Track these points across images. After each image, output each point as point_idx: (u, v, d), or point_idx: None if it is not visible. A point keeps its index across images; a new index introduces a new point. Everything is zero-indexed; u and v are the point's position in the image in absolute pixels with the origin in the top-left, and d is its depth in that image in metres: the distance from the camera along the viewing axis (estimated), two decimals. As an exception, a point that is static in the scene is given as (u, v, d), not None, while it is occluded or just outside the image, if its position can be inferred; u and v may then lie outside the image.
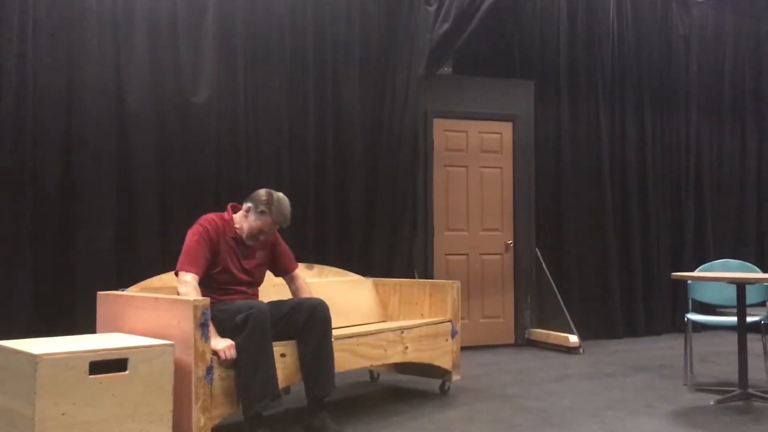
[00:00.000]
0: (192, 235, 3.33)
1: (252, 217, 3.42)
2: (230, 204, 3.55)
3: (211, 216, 3.44)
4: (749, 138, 7.62)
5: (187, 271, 3.24)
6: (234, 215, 3.49)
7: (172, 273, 3.61)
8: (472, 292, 6.05)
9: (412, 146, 5.66)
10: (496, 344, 6.07)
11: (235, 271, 3.42)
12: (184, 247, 3.32)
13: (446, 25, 5.74)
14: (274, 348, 3.19)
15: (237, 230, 3.45)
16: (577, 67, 6.66)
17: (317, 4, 5.35)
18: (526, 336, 6.17)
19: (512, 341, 6.16)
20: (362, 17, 5.57)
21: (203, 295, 3.15)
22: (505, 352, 5.81)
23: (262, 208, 3.41)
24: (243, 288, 3.46)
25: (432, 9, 5.73)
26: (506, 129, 6.25)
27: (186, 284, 3.19)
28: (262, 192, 3.47)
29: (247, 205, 3.46)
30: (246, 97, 5.00)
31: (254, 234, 3.44)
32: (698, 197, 7.27)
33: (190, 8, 4.80)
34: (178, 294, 3.21)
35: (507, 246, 6.18)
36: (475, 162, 6.15)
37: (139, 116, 4.57)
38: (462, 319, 5.76)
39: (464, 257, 6.07)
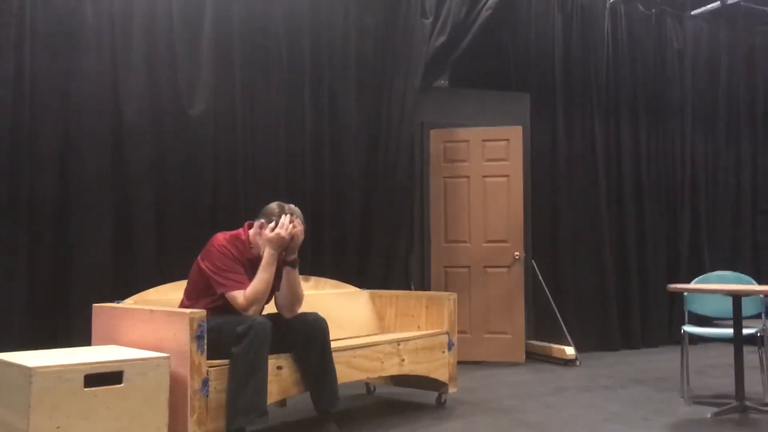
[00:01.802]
0: (223, 256, 3.27)
1: (265, 229, 3.34)
2: (246, 222, 3.47)
3: (227, 237, 3.36)
4: (744, 150, 7.67)
5: (234, 290, 3.22)
6: (249, 234, 3.42)
7: (168, 285, 3.61)
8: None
9: (409, 158, 5.69)
10: (503, 361, 5.77)
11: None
12: (221, 266, 3.24)
13: (442, 38, 5.78)
14: (271, 360, 3.19)
15: (252, 250, 3.39)
16: (572, 80, 6.69)
17: (314, 17, 5.38)
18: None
19: (522, 360, 5.79)
20: (359, 30, 5.60)
21: (212, 312, 3.15)
22: (501, 365, 5.79)
23: (275, 214, 3.35)
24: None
25: (428, 22, 5.76)
26: (514, 134, 6.00)
27: (244, 302, 3.21)
28: (274, 205, 3.41)
29: (259, 221, 3.39)
30: (243, 109, 5.02)
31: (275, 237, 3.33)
32: (694, 209, 7.29)
33: (186, 21, 4.82)
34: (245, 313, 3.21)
35: (515, 258, 5.88)
36: (476, 172, 6.00)
37: (136, 129, 4.57)
38: (464, 333, 5.75)
39: (466, 270, 5.96)
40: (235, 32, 5.00)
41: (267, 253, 3.29)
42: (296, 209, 3.44)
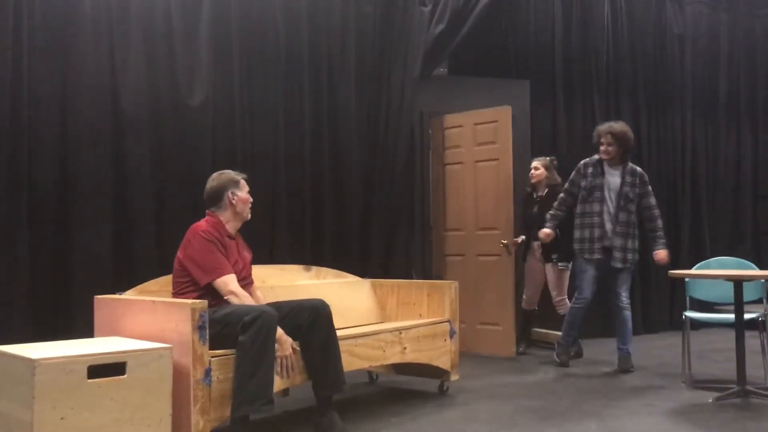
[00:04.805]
0: (202, 245, 3.32)
1: (240, 193, 3.52)
2: (207, 212, 3.52)
3: (204, 225, 3.41)
4: (744, 136, 7.65)
5: (222, 275, 3.29)
6: (219, 216, 3.49)
7: (169, 276, 3.61)
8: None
9: (409, 147, 5.68)
10: (494, 355, 5.57)
11: (236, 269, 3.44)
12: (203, 257, 3.29)
13: (441, 26, 5.75)
14: (273, 350, 3.20)
15: (227, 226, 3.48)
16: (572, 67, 6.67)
17: (312, 6, 5.36)
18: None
19: (513, 354, 5.54)
20: (357, 18, 5.58)
21: (211, 294, 3.21)
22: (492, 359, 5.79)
23: (236, 178, 3.54)
24: (244, 284, 3.48)
25: (427, 10, 5.74)
26: (503, 115, 5.70)
27: (234, 286, 3.30)
28: (215, 175, 3.56)
29: (228, 193, 3.48)
30: (241, 99, 5.01)
31: (249, 200, 3.58)
32: (694, 195, 7.29)
33: (184, 11, 4.80)
34: (223, 294, 3.27)
35: (502, 246, 5.67)
36: (469, 157, 5.86)
37: (135, 120, 4.56)
38: (461, 323, 5.68)
39: (461, 258, 5.90)
40: (233, 21, 4.98)
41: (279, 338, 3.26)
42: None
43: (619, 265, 4.90)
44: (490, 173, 5.76)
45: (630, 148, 5.01)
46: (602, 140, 4.96)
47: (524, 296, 5.78)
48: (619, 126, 4.98)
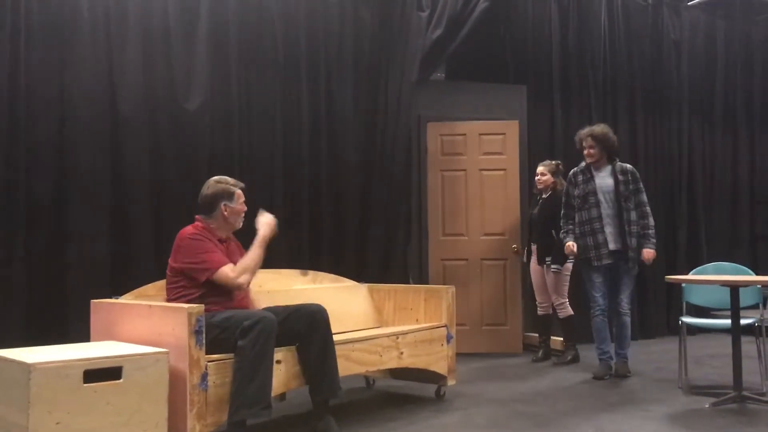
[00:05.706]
0: (191, 245, 3.33)
1: (233, 205, 3.49)
2: (196, 216, 3.52)
3: (190, 229, 3.42)
4: (741, 141, 7.68)
5: (220, 266, 3.30)
6: (209, 224, 3.48)
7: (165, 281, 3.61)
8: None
9: (406, 151, 5.68)
10: (501, 352, 5.87)
11: None
12: (194, 255, 3.30)
13: (439, 31, 5.77)
14: (269, 354, 3.19)
15: (217, 232, 3.48)
16: (569, 72, 6.68)
17: (310, 10, 5.36)
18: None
19: (520, 350, 5.93)
20: (355, 23, 5.58)
21: (205, 300, 3.20)
22: (499, 357, 5.80)
23: (231, 190, 3.51)
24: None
25: (424, 15, 5.75)
26: (510, 128, 6.05)
27: (235, 273, 3.33)
28: (212, 182, 3.53)
29: (222, 205, 3.46)
30: (239, 103, 5.00)
31: (243, 211, 3.57)
32: (691, 201, 7.30)
33: (182, 14, 4.80)
34: (234, 287, 3.32)
35: (513, 251, 5.96)
36: (473, 165, 6.03)
37: (132, 123, 4.56)
38: (462, 325, 5.75)
39: (464, 262, 5.98)
40: (230, 25, 4.98)
41: (263, 235, 3.45)
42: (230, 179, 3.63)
43: (631, 264, 4.85)
44: (497, 181, 6.02)
45: (613, 148, 4.97)
46: (584, 144, 4.97)
47: (537, 302, 5.79)
48: (599, 128, 4.99)
